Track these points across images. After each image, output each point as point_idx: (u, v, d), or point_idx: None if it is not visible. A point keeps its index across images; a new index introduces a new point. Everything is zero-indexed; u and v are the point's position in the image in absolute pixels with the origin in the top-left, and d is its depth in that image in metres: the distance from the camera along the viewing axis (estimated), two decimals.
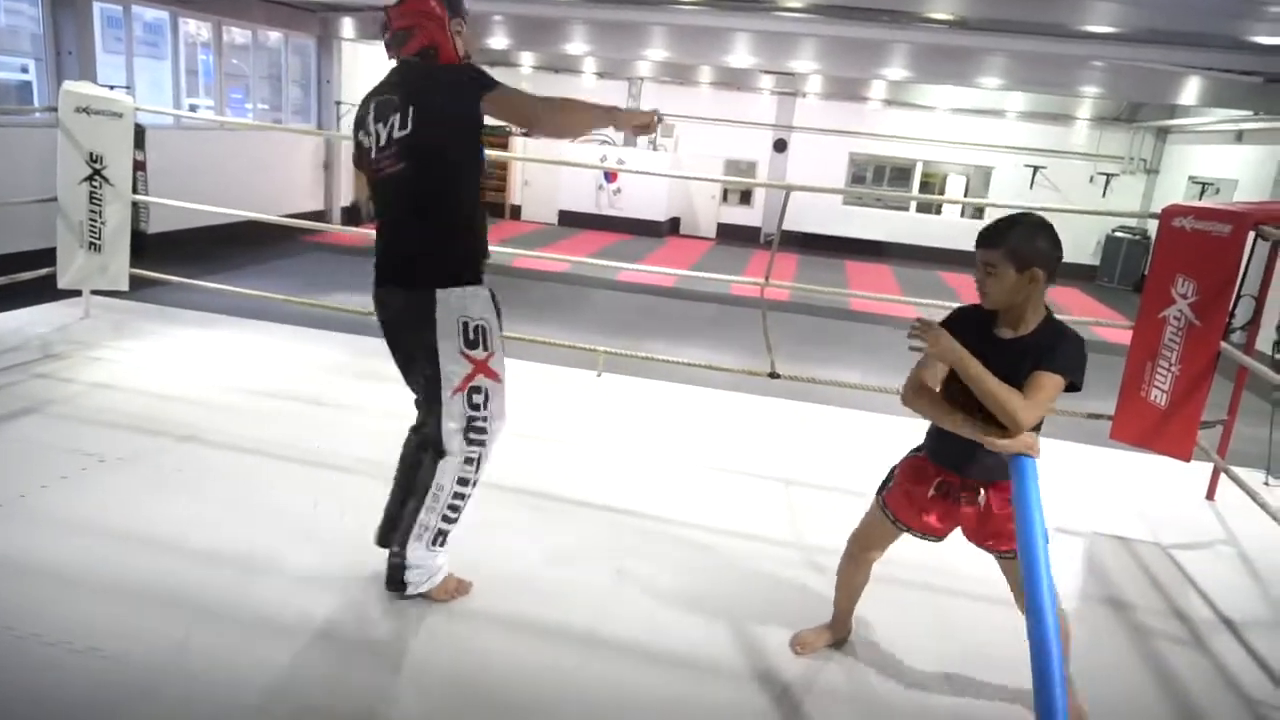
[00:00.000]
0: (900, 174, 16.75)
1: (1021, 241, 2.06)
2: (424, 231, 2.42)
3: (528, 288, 9.31)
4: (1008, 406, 2.02)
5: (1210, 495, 4.02)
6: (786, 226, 18.42)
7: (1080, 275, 14.71)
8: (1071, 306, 11.72)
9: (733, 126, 16.37)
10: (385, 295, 2.52)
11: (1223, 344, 3.48)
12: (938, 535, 2.37)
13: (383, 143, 2.39)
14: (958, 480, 2.25)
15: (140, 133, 4.93)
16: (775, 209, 16.66)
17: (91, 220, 4.80)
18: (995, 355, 2.09)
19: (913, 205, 16.65)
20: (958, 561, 2.68)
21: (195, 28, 10.87)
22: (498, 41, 11.97)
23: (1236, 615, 3.00)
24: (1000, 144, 15.73)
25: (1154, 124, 14.71)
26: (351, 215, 13.48)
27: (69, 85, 4.72)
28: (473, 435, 2.48)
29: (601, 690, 2.35)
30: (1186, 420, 3.56)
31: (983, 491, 2.24)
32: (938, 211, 16.60)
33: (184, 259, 5.76)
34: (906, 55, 10.68)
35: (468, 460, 2.50)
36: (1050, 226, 2.11)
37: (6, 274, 4.87)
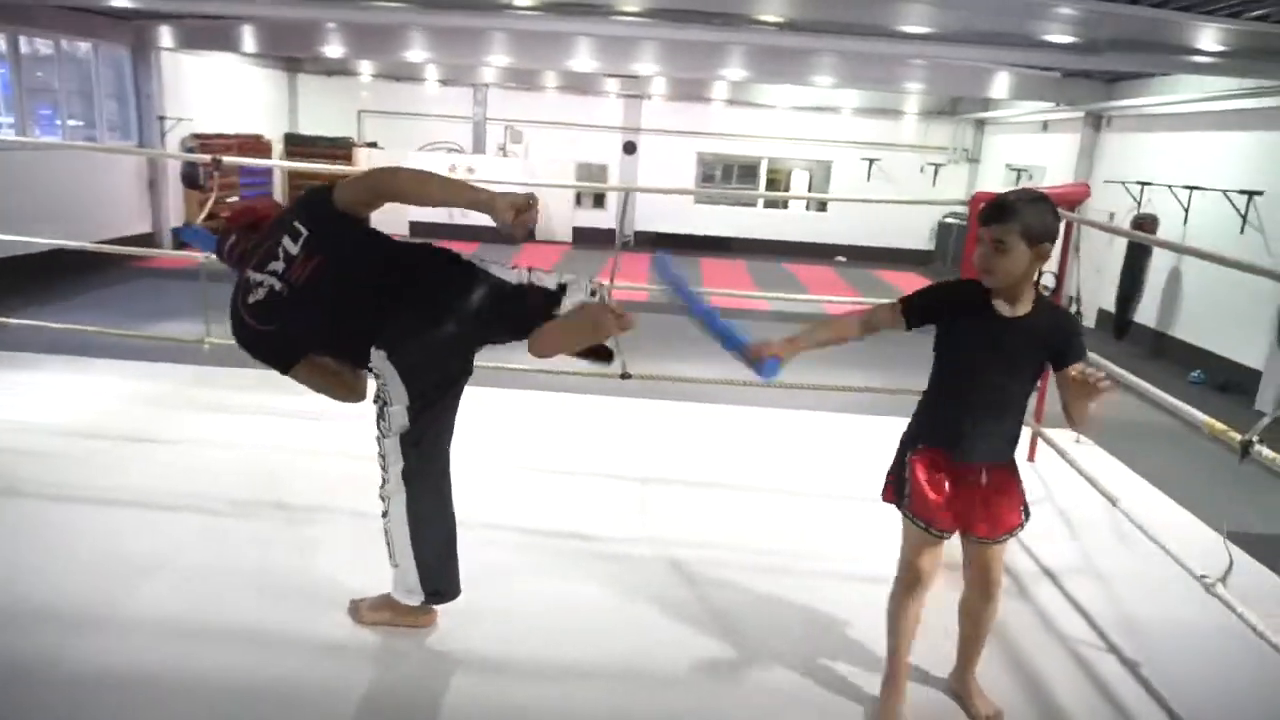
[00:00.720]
0: (747, 171, 17.30)
1: (1034, 216, 2.02)
2: None
3: None
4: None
5: (1031, 457, 4.37)
6: (641, 227, 18.71)
7: (916, 260, 15.67)
8: (906, 287, 12.44)
9: (582, 130, 16.45)
10: None
11: None
12: (961, 525, 2.24)
13: None
14: (962, 463, 2.18)
15: None
16: (630, 211, 16.88)
17: None
18: (1002, 334, 2.09)
19: (760, 201, 17.24)
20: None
21: None
22: (333, 50, 11.57)
23: (1055, 565, 3.28)
24: (838, 139, 16.52)
25: (972, 116, 15.84)
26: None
27: None
28: None
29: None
30: None
31: (985, 473, 2.20)
32: (784, 206, 17.26)
33: None
34: (743, 56, 11.07)
35: None
36: (1051, 201, 2.10)
37: None
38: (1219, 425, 2.52)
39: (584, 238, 16.19)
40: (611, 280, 4.88)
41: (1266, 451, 2.30)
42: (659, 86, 15.63)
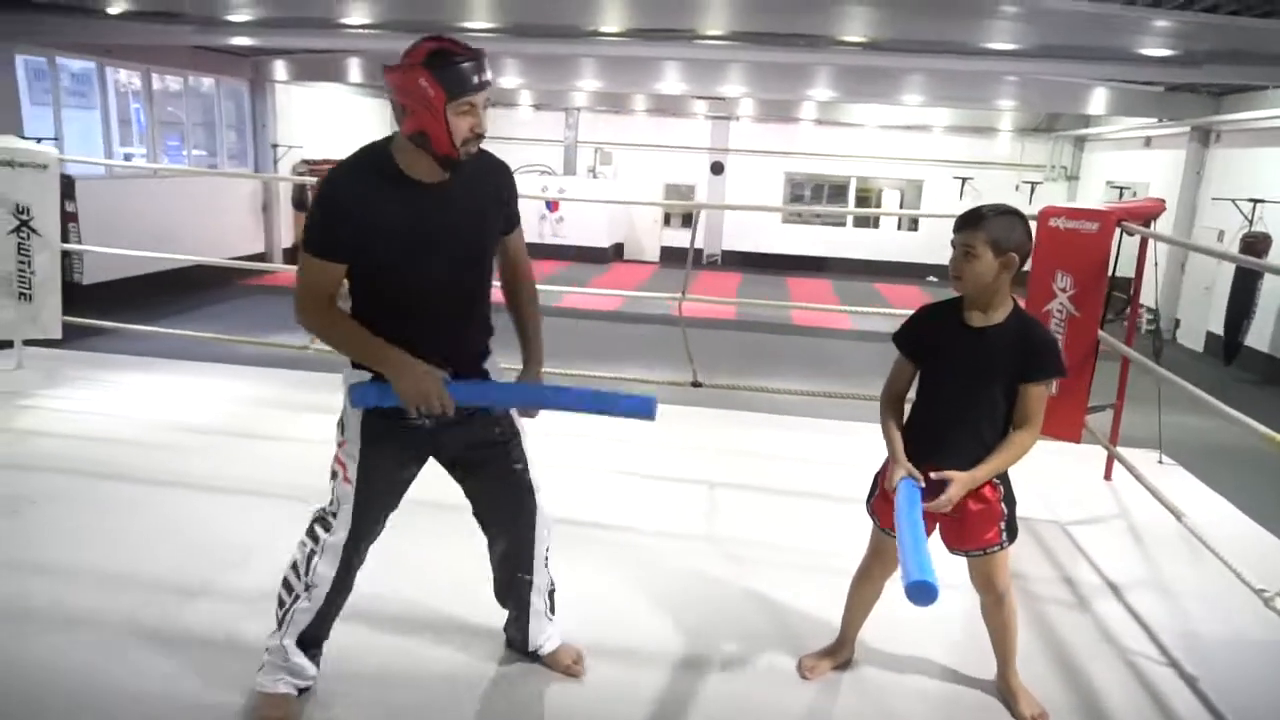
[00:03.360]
0: (836, 191, 17.23)
1: (1000, 227, 2.12)
2: None
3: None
4: (1026, 452, 2.18)
5: (1107, 476, 4.28)
6: (730, 246, 18.80)
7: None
8: None
9: (670, 151, 16.73)
10: None
11: (1101, 332, 3.76)
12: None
13: None
14: (932, 479, 2.20)
15: (69, 184, 5.01)
16: (716, 230, 17.03)
17: (20, 271, 4.85)
18: (969, 344, 2.18)
19: (850, 220, 17.12)
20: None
21: (126, 76, 10.89)
22: None
23: (1120, 579, 3.23)
24: (929, 157, 16.30)
25: (1071, 133, 15.40)
26: (293, 256, 13.49)
27: None
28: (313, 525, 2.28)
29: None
30: (1074, 405, 3.82)
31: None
32: (875, 225, 17.10)
33: (123, 307, 5.82)
34: (829, 76, 11.10)
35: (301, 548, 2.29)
36: (1024, 217, 2.19)
37: None
38: (1275, 435, 2.48)
39: (672, 256, 16.41)
40: (683, 294, 5.04)
41: None
42: (746, 107, 15.77)
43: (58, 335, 5.15)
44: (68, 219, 8.34)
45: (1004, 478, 2.29)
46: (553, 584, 2.52)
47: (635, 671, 2.56)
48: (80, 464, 3.83)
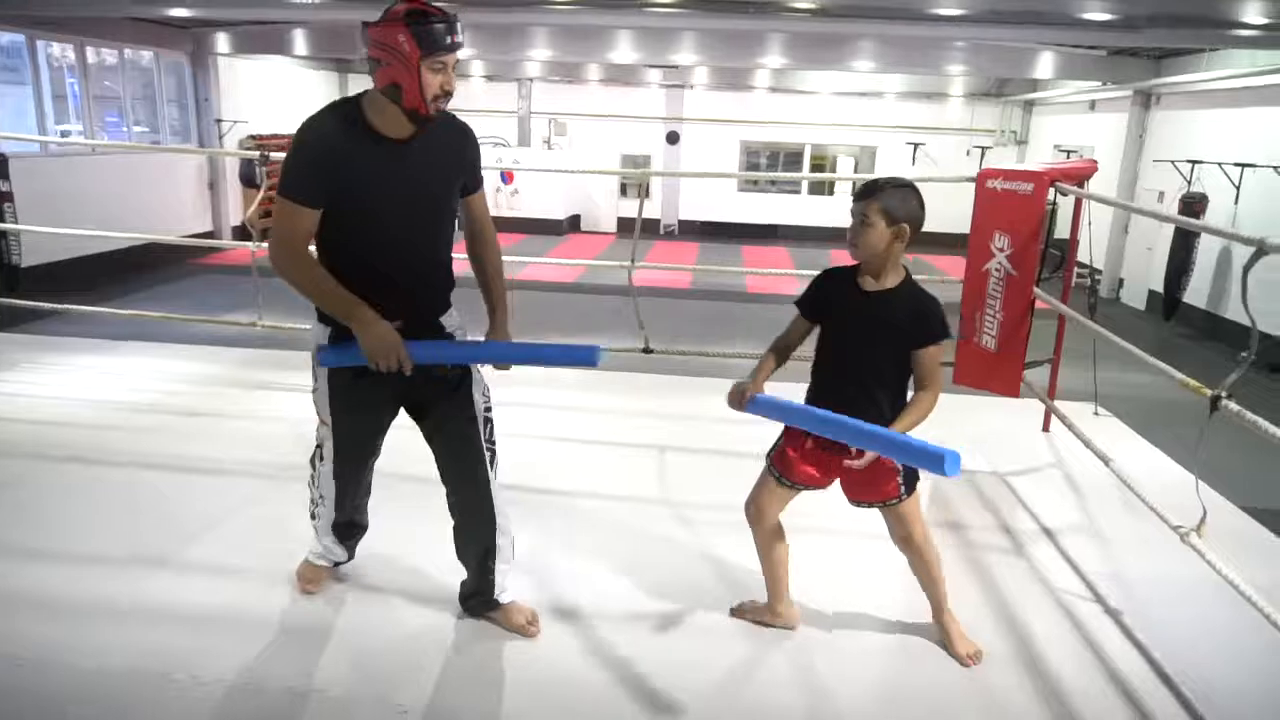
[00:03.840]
0: (792, 158, 17.31)
1: (893, 198, 2.24)
2: None
3: None
4: (929, 411, 2.29)
5: (1045, 428, 4.44)
6: (686, 215, 18.78)
7: (961, 244, 15.51)
8: (949, 270, 12.41)
9: (625, 121, 16.66)
10: None
11: (1036, 289, 3.88)
12: (819, 485, 2.49)
13: None
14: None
15: (2, 162, 4.87)
16: (672, 200, 17.04)
17: None
18: (861, 306, 2.32)
19: (804, 187, 17.24)
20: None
21: (59, 50, 10.54)
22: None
23: (1054, 525, 3.39)
24: (882, 124, 16.44)
25: (1020, 98, 15.62)
26: (243, 234, 13.25)
27: None
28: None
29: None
30: (1012, 361, 3.96)
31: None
32: (830, 192, 17.23)
33: (66, 290, 5.71)
34: (781, 44, 11.12)
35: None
36: (919, 191, 2.30)
37: None
38: (1192, 382, 2.61)
39: (628, 227, 16.40)
40: (633, 262, 5.09)
41: (1233, 406, 2.39)
42: (700, 76, 15.74)
43: None
44: (2, 199, 8.12)
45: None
46: (512, 535, 2.59)
47: (588, 631, 2.63)
48: (34, 447, 3.79)
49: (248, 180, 12.62)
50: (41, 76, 10.09)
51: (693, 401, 4.75)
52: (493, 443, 2.49)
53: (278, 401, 4.51)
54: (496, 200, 15.21)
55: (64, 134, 10.57)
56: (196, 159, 12.68)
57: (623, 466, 3.91)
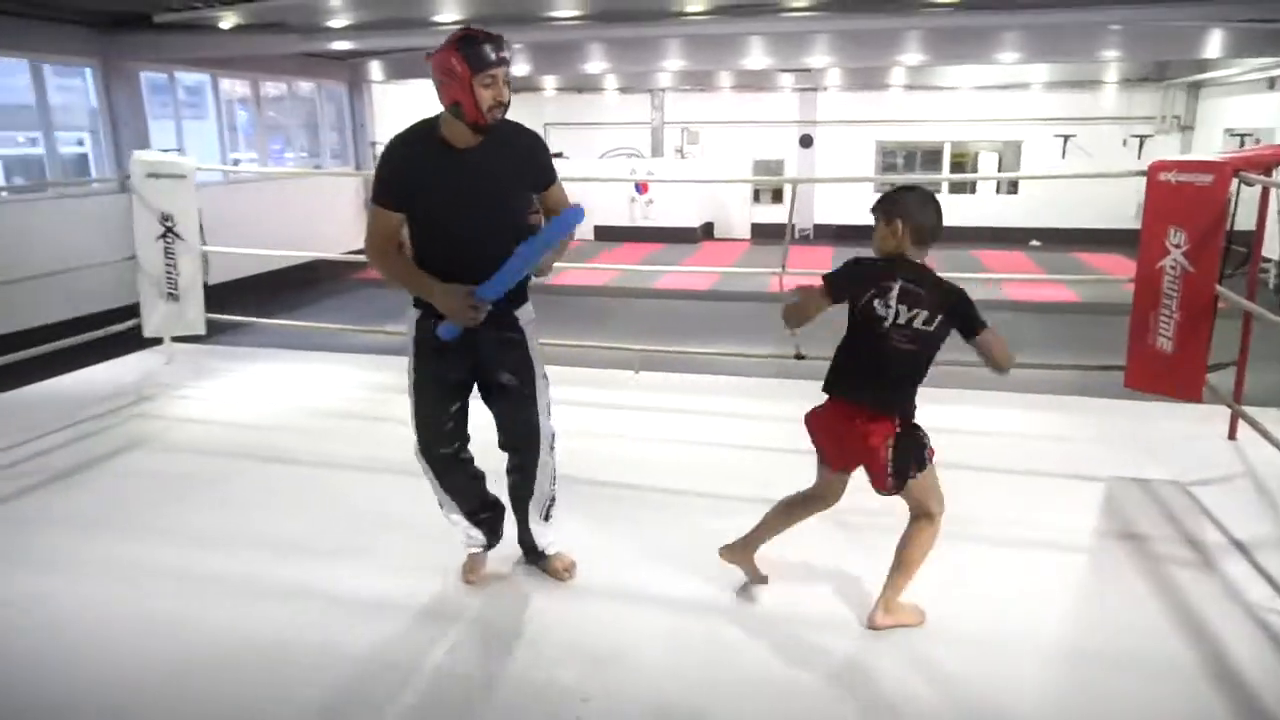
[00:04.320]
0: (931, 157, 16.79)
1: (891, 198, 2.50)
2: None
3: (567, 303, 9.68)
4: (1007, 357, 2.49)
5: (1232, 435, 4.15)
6: (821, 219, 18.52)
7: (1124, 240, 14.55)
8: (1109, 269, 11.70)
9: (757, 127, 16.61)
10: None
11: (1219, 287, 3.65)
12: (839, 461, 2.68)
13: None
14: (844, 403, 2.57)
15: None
16: (808, 204, 16.85)
17: (168, 273, 5.30)
18: (923, 284, 2.47)
19: (945, 186, 16.66)
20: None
21: (229, 85, 11.53)
22: (520, 68, 12.41)
23: (1246, 538, 3.17)
24: (1028, 116, 15.70)
25: (1185, 80, 14.55)
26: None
27: (139, 154, 5.26)
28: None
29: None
30: (1193, 363, 3.73)
31: (859, 417, 2.52)
32: (971, 190, 16.59)
33: (241, 306, 6.28)
34: (920, 40, 10.82)
35: None
36: (927, 195, 2.49)
37: (99, 328, 5.47)
38: None
39: (763, 233, 16.34)
40: (783, 268, 5.10)
41: None
42: (834, 78, 15.50)
43: (202, 331, 5.60)
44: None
45: (902, 435, 2.51)
46: (553, 498, 2.95)
47: (816, 638, 2.68)
48: (235, 449, 4.21)
49: None
50: (222, 111, 11.07)
51: None
52: (548, 418, 2.82)
53: None
54: (631, 212, 15.51)
55: (234, 162, 11.56)
56: (354, 180, 13.55)
57: (775, 471, 3.92)
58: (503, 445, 2.87)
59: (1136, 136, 15.08)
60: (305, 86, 12.84)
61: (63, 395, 5.01)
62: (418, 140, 2.56)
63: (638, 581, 2.96)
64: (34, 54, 8.14)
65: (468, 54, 2.39)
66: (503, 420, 2.82)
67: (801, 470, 3.82)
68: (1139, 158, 15.01)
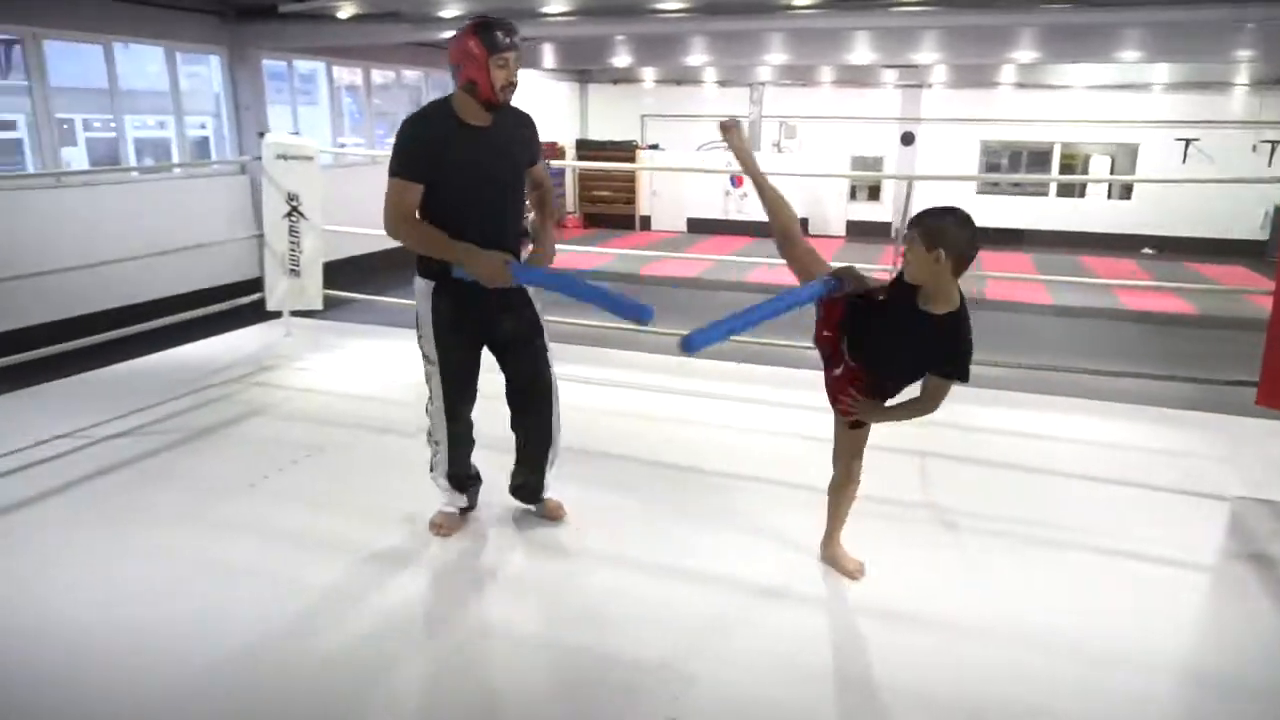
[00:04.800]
0: (1037, 158, 16.20)
1: (933, 223, 2.32)
2: None
3: (659, 293, 9.73)
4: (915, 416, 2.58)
5: None
6: None
7: (1247, 252, 13.80)
8: (1229, 281, 11.09)
9: (857, 123, 16.33)
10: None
11: None
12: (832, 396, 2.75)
13: None
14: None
15: None
16: (905, 202, 16.47)
17: (291, 250, 5.56)
18: (920, 326, 2.40)
19: (1052, 189, 16.07)
20: None
21: (340, 72, 11.96)
22: (621, 60, 12.51)
23: None
24: (1146, 119, 15.00)
25: None
26: None
27: (270, 137, 5.53)
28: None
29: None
30: None
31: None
32: (1080, 194, 15.95)
33: (346, 284, 6.54)
34: (1035, 37, 10.46)
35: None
36: (966, 220, 2.33)
37: (220, 301, 5.80)
38: None
39: (858, 231, 16.08)
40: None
41: None
42: (940, 74, 15.10)
43: (319, 306, 5.85)
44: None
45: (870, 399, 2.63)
46: (561, 446, 3.20)
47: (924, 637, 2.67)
48: (349, 420, 4.40)
49: None
50: (334, 97, 11.51)
51: (954, 409, 4.63)
52: (551, 369, 3.09)
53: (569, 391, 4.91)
54: (725, 205, 15.46)
55: (341, 145, 11.99)
56: None
57: (881, 468, 3.88)
58: (517, 400, 3.12)
59: (1268, 142, 14.23)
60: (411, 75, 13.21)
61: (191, 362, 5.32)
62: (437, 117, 2.79)
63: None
64: (169, 42, 8.61)
65: (484, 38, 2.66)
66: (520, 377, 3.08)
67: (908, 468, 3.84)
68: (1270, 165, 14.17)
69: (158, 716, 2.29)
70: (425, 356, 3.02)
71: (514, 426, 3.19)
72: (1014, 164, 16.41)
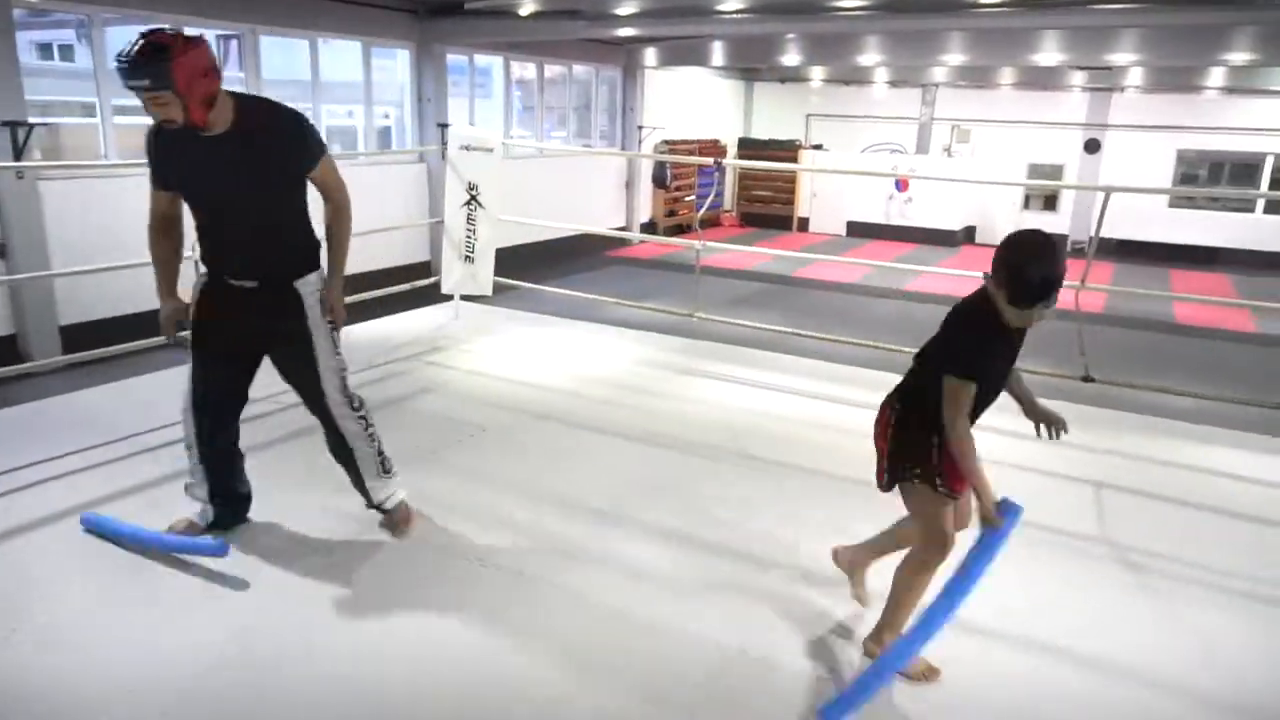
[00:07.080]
0: (1241, 171, 14.78)
1: (999, 249, 2.28)
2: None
3: (812, 297, 9.55)
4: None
5: None
6: (1101, 232, 16.90)
7: None
8: None
9: (1037, 128, 15.43)
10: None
11: None
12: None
13: None
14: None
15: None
16: (1084, 214, 15.45)
17: (468, 237, 5.83)
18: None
19: (1259, 205, 14.61)
20: None
21: (515, 67, 12.41)
22: (790, 59, 12.35)
23: None
24: None
25: None
26: (649, 230, 14.49)
27: (456, 128, 5.81)
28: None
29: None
30: None
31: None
32: None
33: (510, 272, 6.80)
34: (1253, 37, 9.53)
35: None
36: (1033, 251, 2.22)
37: (393, 283, 6.12)
38: None
39: None
40: (1082, 283, 4.73)
41: None
42: (1134, 77, 14.03)
43: (489, 292, 6.11)
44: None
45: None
46: (380, 453, 3.07)
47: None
48: (514, 403, 4.59)
49: (659, 181, 13.82)
50: (509, 91, 11.97)
51: (1136, 440, 4.32)
52: (339, 358, 2.95)
53: (705, 387, 4.94)
54: (888, 209, 15.00)
55: (510, 138, 12.44)
56: (618, 161, 14.14)
57: (1057, 499, 3.66)
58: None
59: None
60: (582, 70, 13.54)
61: (369, 340, 5.67)
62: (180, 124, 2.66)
63: None
64: (365, 37, 9.22)
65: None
66: (293, 385, 3.00)
67: (1084, 499, 3.60)
68: None
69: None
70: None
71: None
72: (1214, 177, 15.04)
